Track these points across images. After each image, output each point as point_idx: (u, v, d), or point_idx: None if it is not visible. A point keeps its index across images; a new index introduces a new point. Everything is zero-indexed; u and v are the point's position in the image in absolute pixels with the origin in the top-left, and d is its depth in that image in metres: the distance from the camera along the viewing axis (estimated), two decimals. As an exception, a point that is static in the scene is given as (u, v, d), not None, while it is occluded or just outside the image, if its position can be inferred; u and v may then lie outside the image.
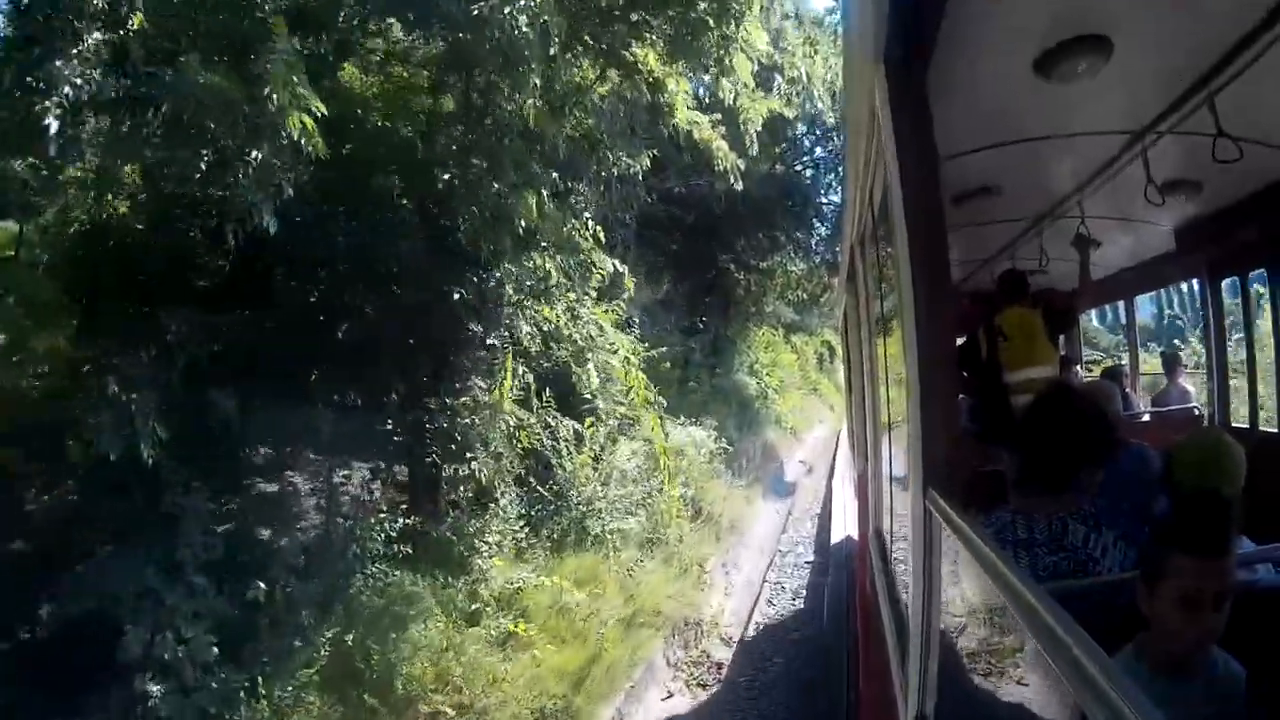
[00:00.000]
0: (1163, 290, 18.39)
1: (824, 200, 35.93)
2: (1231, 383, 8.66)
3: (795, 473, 31.04)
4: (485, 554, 11.46)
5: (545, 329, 13.79)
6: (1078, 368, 10.41)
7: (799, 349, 53.94)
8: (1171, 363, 11.19)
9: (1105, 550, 3.22)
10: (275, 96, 7.42)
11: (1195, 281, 9.76)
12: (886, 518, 5.18)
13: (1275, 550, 3.50)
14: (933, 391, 2.62)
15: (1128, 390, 9.60)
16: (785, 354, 46.92)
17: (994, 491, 4.04)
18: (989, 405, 6.95)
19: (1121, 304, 12.25)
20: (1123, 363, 12.35)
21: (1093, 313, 20.72)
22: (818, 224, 36.17)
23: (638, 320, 21.35)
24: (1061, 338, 8.39)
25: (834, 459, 31.05)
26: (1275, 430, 7.35)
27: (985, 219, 7.43)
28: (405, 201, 11.59)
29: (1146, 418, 9.22)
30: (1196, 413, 9.52)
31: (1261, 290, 7.73)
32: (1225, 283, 8.33)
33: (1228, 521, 2.56)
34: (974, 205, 6.65)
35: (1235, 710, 2.47)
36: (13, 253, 10.95)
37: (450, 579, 10.69)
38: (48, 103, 6.91)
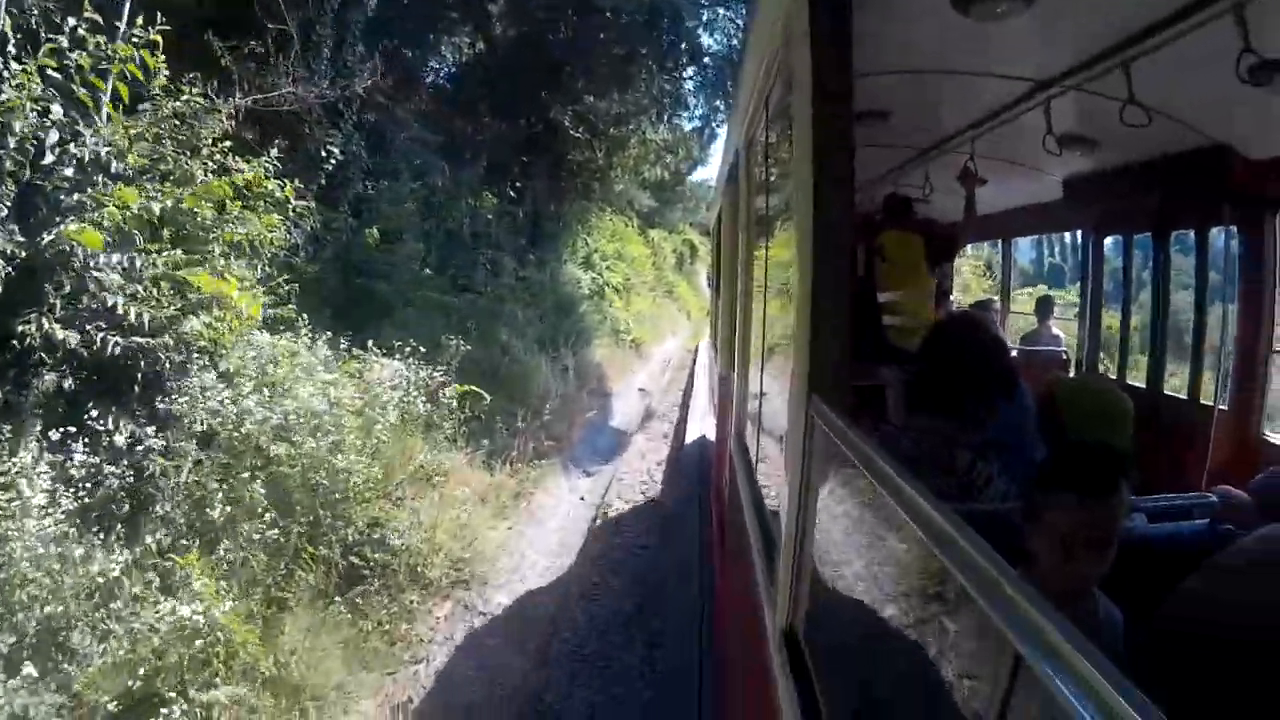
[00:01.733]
0: (1044, 237, 18.92)
1: (702, 35, 29.66)
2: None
3: (629, 411, 24.44)
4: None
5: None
6: (953, 298, 10.66)
7: (655, 245, 50.65)
8: (1045, 306, 11.61)
9: (989, 480, 3.43)
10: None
11: (1079, 233, 10.13)
12: (753, 425, 5.28)
13: (1149, 501, 3.71)
14: (825, 297, 2.66)
15: (996, 326, 9.91)
16: (637, 246, 43.30)
17: (864, 407, 4.14)
18: (861, 323, 7.11)
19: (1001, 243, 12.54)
20: (994, 298, 12.68)
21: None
22: (690, 71, 29.85)
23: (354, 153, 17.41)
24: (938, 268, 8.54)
25: (690, 383, 25.96)
26: (1143, 385, 7.80)
27: (873, 142, 7.59)
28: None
29: (1014, 354, 9.54)
30: (1065, 356, 10.17)
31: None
32: (1109, 240, 8.96)
33: (1119, 471, 2.64)
34: (864, 127, 6.80)
35: (1112, 651, 2.55)
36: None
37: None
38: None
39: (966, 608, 1.53)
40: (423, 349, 13.59)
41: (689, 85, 29.63)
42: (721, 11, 27.99)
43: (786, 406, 3.10)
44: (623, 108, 27.84)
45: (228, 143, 10.21)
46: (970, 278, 19.19)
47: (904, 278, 7.49)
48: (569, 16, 24.83)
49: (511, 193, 24.54)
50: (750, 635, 3.89)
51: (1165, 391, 7.64)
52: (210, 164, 9.74)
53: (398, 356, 13.01)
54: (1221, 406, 6.71)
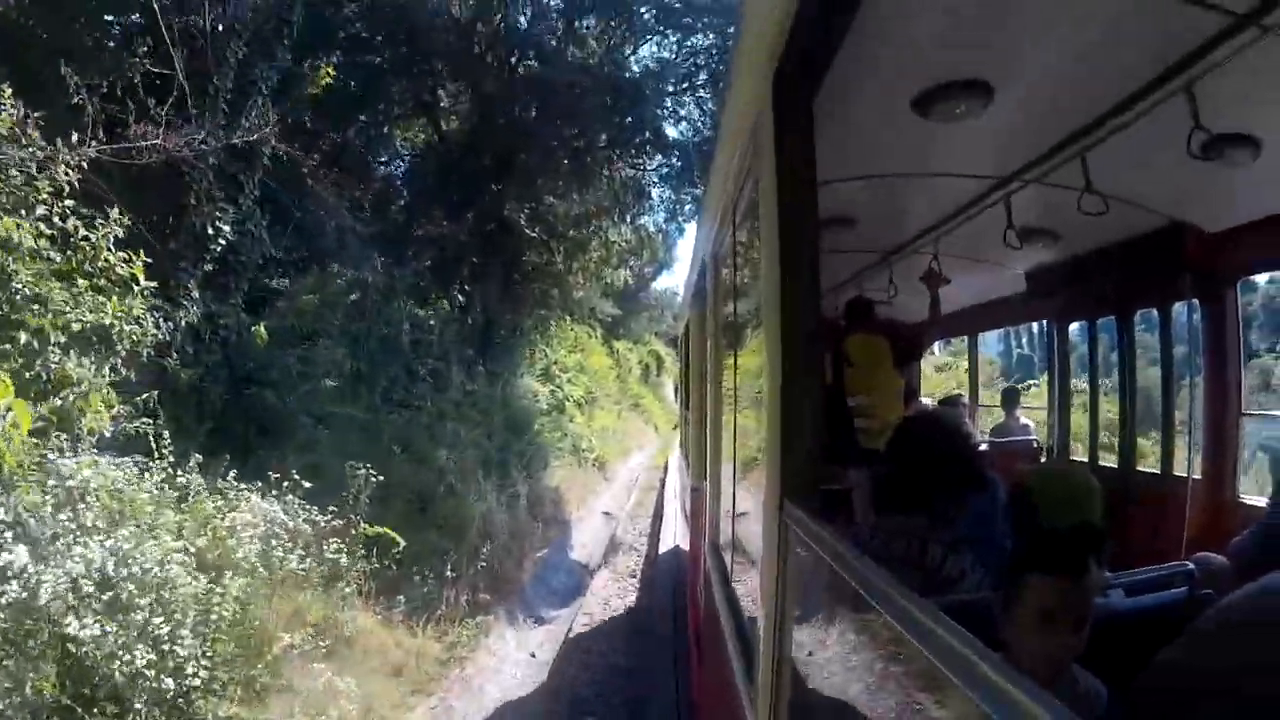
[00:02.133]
0: (1011, 330, 19.34)
1: (666, 122, 26.43)
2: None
3: (591, 542, 22.17)
4: None
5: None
6: (923, 399, 10.80)
7: (620, 356, 49.99)
8: (1011, 398, 11.83)
9: (964, 573, 3.47)
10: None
11: (1044, 323, 10.39)
12: (726, 532, 5.29)
13: (1127, 576, 3.74)
14: (795, 404, 2.73)
15: (966, 420, 10.05)
16: (600, 357, 42.53)
17: (836, 510, 4.17)
18: (831, 427, 7.14)
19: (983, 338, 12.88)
20: (961, 394, 12.87)
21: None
22: (655, 161, 26.97)
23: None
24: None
25: (659, 505, 24.46)
26: (1115, 465, 7.95)
27: (838, 248, 7.83)
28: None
29: (984, 447, 9.64)
30: (1035, 445, 10.28)
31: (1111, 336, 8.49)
32: (1073, 326, 9.24)
33: (1092, 549, 2.69)
34: (829, 233, 6.88)
35: None
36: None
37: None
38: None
39: (952, 699, 1.53)
40: (324, 480, 11.26)
41: (653, 176, 27.48)
42: (686, 99, 26.15)
43: (759, 513, 3.13)
44: (582, 207, 26.08)
45: (69, 201, 8.23)
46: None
47: (871, 380, 7.58)
48: (523, 98, 23.26)
49: (460, 297, 22.10)
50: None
51: (1138, 468, 7.74)
52: (44, 227, 7.90)
53: (275, 492, 10.10)
54: (1195, 475, 6.81)
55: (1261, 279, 12.10)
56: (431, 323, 19.69)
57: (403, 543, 11.66)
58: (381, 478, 12.08)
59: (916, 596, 1.62)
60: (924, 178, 6.02)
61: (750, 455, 4.07)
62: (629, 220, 28.60)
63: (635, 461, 37.03)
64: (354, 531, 10.98)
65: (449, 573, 13.40)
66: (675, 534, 17.79)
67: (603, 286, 34.26)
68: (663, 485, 27.41)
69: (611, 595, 16.72)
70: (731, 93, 4.00)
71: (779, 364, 2.72)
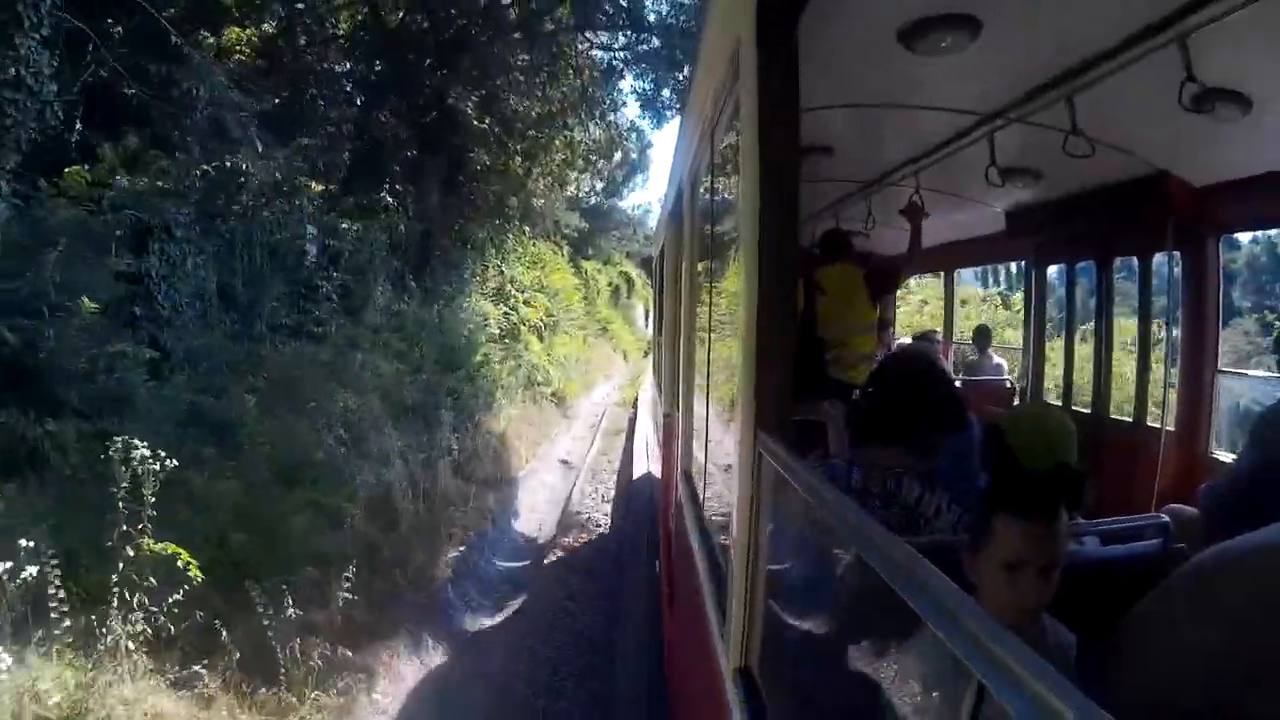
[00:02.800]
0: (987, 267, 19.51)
1: None
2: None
3: (544, 505, 17.84)
4: None
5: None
6: (893, 330, 10.90)
7: (588, 276, 46.21)
8: (983, 336, 11.89)
9: (939, 511, 3.60)
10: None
11: (1021, 264, 10.50)
12: (699, 460, 5.39)
13: (1101, 524, 3.81)
14: (770, 336, 2.75)
15: (939, 358, 10.18)
16: (564, 276, 38.26)
17: (813, 442, 4.22)
18: (801, 358, 7.18)
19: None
20: (936, 330, 13.02)
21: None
22: (623, 39, 25.12)
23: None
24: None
25: (627, 461, 19.33)
26: (1088, 410, 8.07)
27: (816, 177, 7.88)
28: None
29: (958, 384, 9.78)
30: (1008, 385, 10.38)
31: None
32: (1051, 269, 9.41)
33: (1067, 492, 2.73)
34: (808, 162, 7.02)
35: (1066, 675, 2.59)
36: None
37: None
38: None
39: (922, 637, 1.56)
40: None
41: (626, 61, 25.75)
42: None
43: (732, 443, 3.21)
44: (545, 106, 23.75)
45: None
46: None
47: (844, 312, 7.60)
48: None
49: (389, 198, 18.94)
50: (703, 673, 3.92)
51: (1112, 415, 7.85)
52: None
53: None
54: (1169, 428, 7.00)
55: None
56: (347, 226, 16.81)
57: (194, 565, 7.42)
58: (214, 450, 9.56)
59: (890, 534, 1.66)
60: (907, 110, 6.03)
61: (723, 383, 4.13)
62: (598, 117, 27.33)
63: (600, 394, 34.04)
64: (130, 551, 7.14)
65: (286, 602, 8.32)
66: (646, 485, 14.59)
67: (567, 195, 33.07)
68: (631, 425, 23.62)
69: (558, 594, 12.28)
70: (712, 13, 3.98)
71: (755, 291, 2.73)
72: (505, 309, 26.26)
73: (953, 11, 4.23)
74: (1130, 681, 2.25)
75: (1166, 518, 3.97)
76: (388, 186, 19.30)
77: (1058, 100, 5.06)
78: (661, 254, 11.45)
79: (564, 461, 21.79)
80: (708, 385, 4.89)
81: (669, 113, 26.51)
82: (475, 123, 21.91)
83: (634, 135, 36.72)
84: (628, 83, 27.08)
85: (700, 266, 5.57)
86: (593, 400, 32.42)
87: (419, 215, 20.46)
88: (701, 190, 5.40)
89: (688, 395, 6.24)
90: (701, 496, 5.15)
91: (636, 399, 27.14)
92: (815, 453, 4.67)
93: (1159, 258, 7.37)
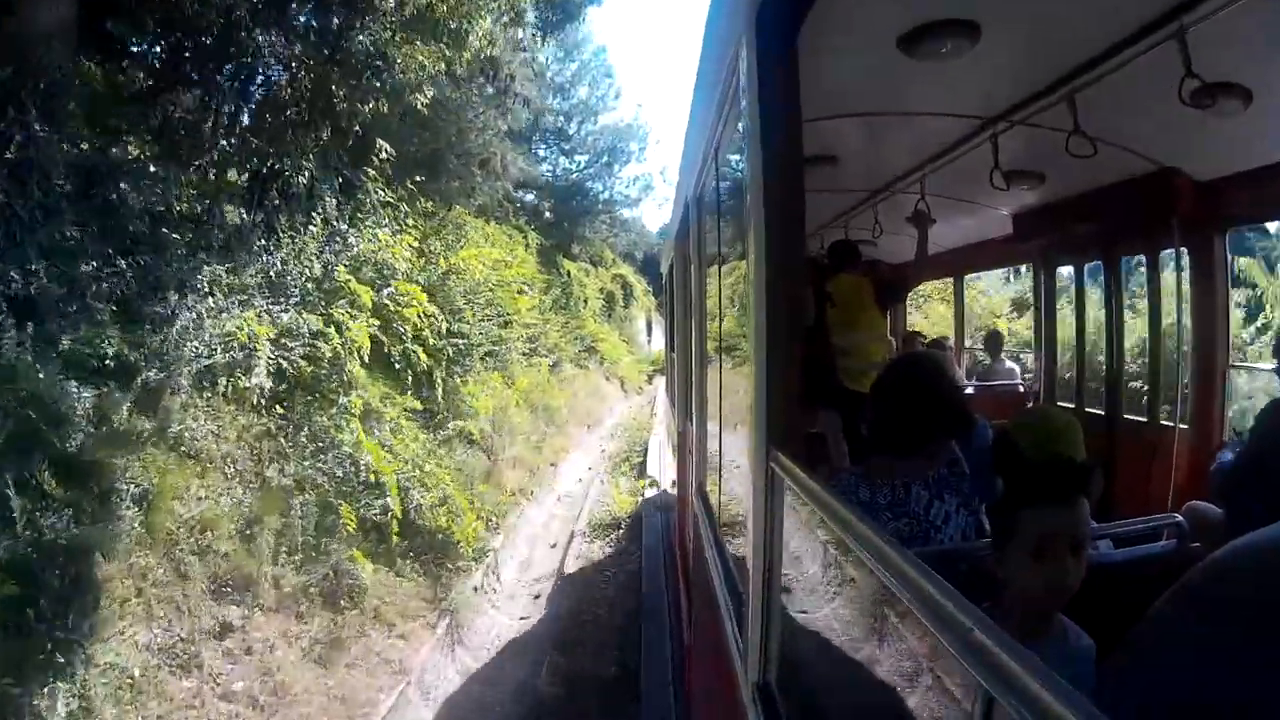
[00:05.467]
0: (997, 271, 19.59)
1: None
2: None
3: None
4: None
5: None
6: (920, 339, 11.02)
7: (574, 281, 36.42)
8: (994, 341, 12.00)
9: (948, 517, 3.59)
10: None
11: (1029, 266, 10.52)
12: (713, 476, 5.37)
13: (1115, 527, 3.82)
14: (780, 351, 2.76)
15: (952, 363, 10.24)
16: (523, 269, 23.77)
17: (814, 454, 4.22)
18: (812, 369, 7.21)
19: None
20: (947, 336, 13.08)
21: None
22: None
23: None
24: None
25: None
26: (1101, 412, 8.04)
27: (822, 187, 7.87)
28: None
29: (970, 390, 9.76)
30: (1021, 389, 10.48)
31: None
32: (1060, 270, 9.36)
33: (1082, 477, 2.77)
34: (813, 172, 6.97)
35: (1085, 681, 2.63)
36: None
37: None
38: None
39: (937, 651, 1.57)
40: None
41: None
42: None
43: (745, 458, 3.17)
44: None
45: None
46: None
47: (854, 321, 7.64)
48: None
49: None
50: (722, 688, 3.91)
51: (1125, 416, 7.83)
52: None
53: None
54: (1182, 425, 6.95)
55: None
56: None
57: None
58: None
59: (903, 549, 1.65)
60: (909, 116, 6.03)
61: (735, 398, 4.12)
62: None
63: (576, 471, 21.71)
64: None
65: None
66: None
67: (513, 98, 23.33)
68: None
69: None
70: (712, 28, 4.00)
71: (763, 306, 2.74)
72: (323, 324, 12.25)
73: (952, 17, 4.23)
74: (1150, 683, 2.25)
75: (1180, 517, 3.98)
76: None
77: (1059, 101, 5.08)
78: (670, 270, 11.50)
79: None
80: (720, 400, 4.90)
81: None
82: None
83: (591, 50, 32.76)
84: None
85: (709, 282, 5.60)
86: (557, 495, 19.42)
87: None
88: (707, 206, 5.42)
89: (701, 410, 6.21)
90: (717, 511, 5.13)
91: (644, 491, 18.29)
92: (822, 467, 4.70)
93: (1166, 254, 7.39)
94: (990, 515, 3.06)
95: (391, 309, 14.19)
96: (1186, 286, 6.97)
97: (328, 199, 13.92)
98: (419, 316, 14.72)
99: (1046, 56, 4.75)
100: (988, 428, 4.46)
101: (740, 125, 3.12)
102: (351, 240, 14.14)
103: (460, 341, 16.77)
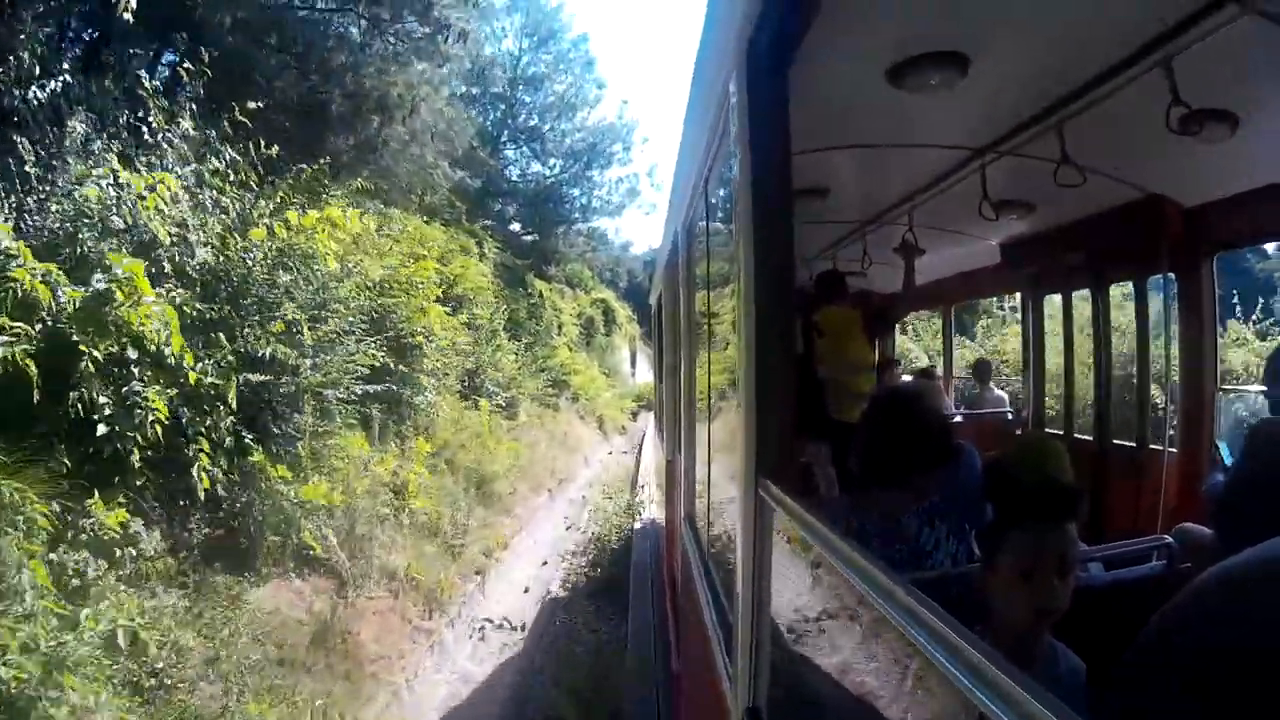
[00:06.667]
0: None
1: None
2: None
3: None
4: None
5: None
6: (899, 368, 11.06)
7: (549, 304, 33.39)
8: (982, 370, 12.04)
9: (938, 543, 3.61)
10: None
11: (1018, 295, 10.62)
12: (702, 505, 5.38)
13: (1105, 549, 3.83)
14: (769, 381, 2.78)
15: (940, 392, 10.32)
16: (473, 278, 22.26)
17: (802, 484, 4.25)
18: (801, 399, 7.22)
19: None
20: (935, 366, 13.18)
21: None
22: None
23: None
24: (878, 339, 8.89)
25: None
26: (1090, 438, 8.12)
27: (811, 218, 7.88)
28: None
29: (959, 419, 9.83)
30: (1009, 417, 10.53)
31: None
32: (1048, 298, 9.52)
33: (1069, 500, 2.78)
34: (802, 204, 7.00)
35: (1075, 702, 2.59)
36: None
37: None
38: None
39: (929, 674, 1.57)
40: None
41: None
42: None
43: (734, 487, 3.19)
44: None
45: None
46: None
47: (843, 352, 7.67)
48: None
49: None
50: (712, 714, 3.90)
51: (1114, 441, 7.88)
52: None
53: None
54: (1171, 450, 6.98)
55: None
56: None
57: None
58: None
59: (894, 573, 1.66)
60: (899, 148, 6.05)
61: (724, 430, 4.13)
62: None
63: (521, 574, 15.47)
64: None
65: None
66: None
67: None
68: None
69: None
70: (702, 60, 4.03)
71: (752, 338, 2.76)
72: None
73: (941, 49, 4.25)
74: (1149, 699, 2.25)
75: (1170, 539, 4.00)
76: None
77: (1047, 131, 5.10)
78: (659, 302, 11.53)
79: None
80: (709, 430, 4.92)
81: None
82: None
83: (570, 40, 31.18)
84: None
85: (698, 313, 5.61)
86: (473, 649, 12.36)
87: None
88: (697, 237, 5.44)
89: (689, 440, 6.25)
90: (705, 540, 5.15)
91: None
92: (811, 498, 4.71)
93: (1154, 280, 7.42)
94: (979, 540, 3.08)
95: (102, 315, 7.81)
96: (1175, 311, 7.02)
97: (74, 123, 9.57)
98: (157, 326, 8.15)
99: (1035, 87, 4.76)
100: (975, 455, 4.49)
101: (730, 157, 3.14)
102: (64, 181, 9.16)
103: (275, 378, 10.22)
